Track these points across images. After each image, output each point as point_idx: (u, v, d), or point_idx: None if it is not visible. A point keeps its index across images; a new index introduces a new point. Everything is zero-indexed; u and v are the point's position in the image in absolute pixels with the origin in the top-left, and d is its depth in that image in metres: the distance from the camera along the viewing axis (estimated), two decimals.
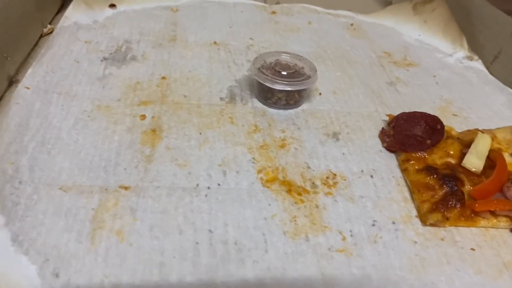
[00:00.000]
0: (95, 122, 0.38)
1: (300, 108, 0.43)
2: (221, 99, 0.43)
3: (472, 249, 0.31)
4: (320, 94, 0.45)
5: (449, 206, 0.32)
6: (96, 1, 0.56)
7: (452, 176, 0.34)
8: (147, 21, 0.55)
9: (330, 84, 0.47)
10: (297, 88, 0.41)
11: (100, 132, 0.37)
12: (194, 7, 0.60)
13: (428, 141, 0.37)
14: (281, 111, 0.42)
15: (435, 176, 0.34)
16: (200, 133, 0.38)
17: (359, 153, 0.38)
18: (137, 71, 0.45)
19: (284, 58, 0.45)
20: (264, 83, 0.41)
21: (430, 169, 0.35)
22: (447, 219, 0.32)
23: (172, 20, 0.56)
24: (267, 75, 0.41)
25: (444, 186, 0.34)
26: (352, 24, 0.61)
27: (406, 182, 0.36)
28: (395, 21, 0.63)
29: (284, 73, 0.42)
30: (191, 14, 0.58)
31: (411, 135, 0.39)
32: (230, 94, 0.44)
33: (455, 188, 0.33)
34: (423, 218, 0.32)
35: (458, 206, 0.32)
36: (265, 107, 0.43)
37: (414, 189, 0.34)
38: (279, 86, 0.41)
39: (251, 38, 0.54)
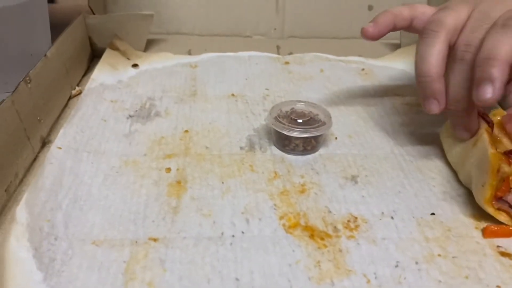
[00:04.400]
0: (123, 177, 0.40)
1: (317, 153, 0.45)
2: (241, 148, 0.45)
3: (498, 287, 0.31)
4: (336, 138, 0.47)
5: None
6: (120, 62, 0.60)
7: None
8: (168, 78, 0.58)
9: (345, 128, 0.49)
10: (313, 134, 0.43)
11: (128, 186, 0.39)
12: (211, 62, 0.63)
13: None
14: (299, 157, 0.44)
15: None
16: (223, 182, 0.40)
17: (378, 195, 0.39)
18: (161, 126, 0.48)
19: (299, 106, 0.47)
20: (281, 131, 0.43)
21: None
22: None
23: (192, 76, 0.60)
24: (284, 124, 0.43)
25: None
26: (363, 69, 0.64)
27: (428, 221, 0.36)
28: (405, 63, 0.65)
29: (300, 120, 0.44)
30: (209, 69, 0.62)
31: None
32: (249, 143, 0.46)
33: None
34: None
35: None
36: (283, 154, 0.44)
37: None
38: (296, 134, 0.43)
39: (266, 89, 0.57)
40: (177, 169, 0.41)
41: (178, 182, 0.40)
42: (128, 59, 0.62)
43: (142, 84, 0.57)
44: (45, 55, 0.49)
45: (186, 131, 0.47)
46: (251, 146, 0.45)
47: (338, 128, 0.49)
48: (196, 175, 0.41)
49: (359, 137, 0.48)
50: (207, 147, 0.45)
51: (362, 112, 0.53)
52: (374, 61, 0.66)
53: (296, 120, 0.44)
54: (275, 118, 0.44)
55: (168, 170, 0.41)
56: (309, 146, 0.44)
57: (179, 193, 0.38)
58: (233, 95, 0.55)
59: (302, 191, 0.39)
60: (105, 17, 0.65)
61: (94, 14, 0.66)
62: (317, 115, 0.45)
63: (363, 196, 0.39)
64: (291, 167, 0.42)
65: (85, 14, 0.63)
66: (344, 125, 0.50)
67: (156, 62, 0.63)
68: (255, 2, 0.71)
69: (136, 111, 0.51)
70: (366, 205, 0.38)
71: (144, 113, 0.50)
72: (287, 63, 0.65)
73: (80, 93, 0.54)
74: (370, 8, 0.73)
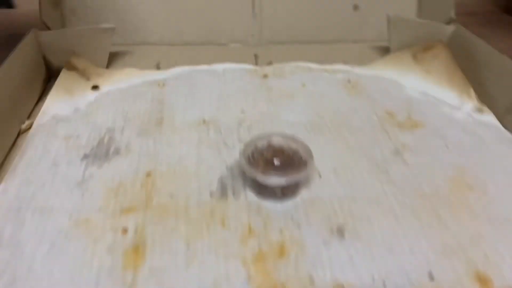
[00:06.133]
0: (72, 243, 0.34)
1: (299, 197, 0.39)
2: (211, 194, 0.39)
3: None
4: (320, 176, 0.41)
5: None
6: (78, 86, 0.54)
7: None
8: (133, 102, 0.52)
9: (330, 160, 0.43)
10: (293, 180, 0.37)
11: (77, 256, 0.33)
12: (181, 79, 0.57)
13: None
14: (277, 204, 0.38)
15: None
16: (188, 246, 0.34)
17: (368, 254, 0.34)
18: (120, 168, 0.42)
19: (276, 140, 0.41)
20: (256, 179, 0.37)
21: None
22: None
23: (159, 98, 0.53)
24: (258, 166, 0.38)
25: None
26: (349, 81, 0.58)
27: None
28: (396, 72, 0.59)
29: (277, 162, 0.38)
30: (178, 88, 0.55)
31: None
32: (220, 186, 0.40)
33: None
34: None
35: None
36: (259, 200, 0.39)
37: None
38: (273, 181, 0.37)
39: (242, 112, 0.51)
40: (136, 229, 0.36)
41: (136, 249, 0.34)
42: (88, 79, 0.56)
43: (102, 111, 0.50)
44: None
45: (149, 174, 0.41)
46: (223, 191, 0.40)
47: (322, 160, 0.43)
48: (157, 237, 0.35)
49: (345, 172, 0.42)
50: (172, 196, 0.39)
51: (349, 137, 0.47)
52: (361, 69, 0.61)
53: (272, 161, 0.38)
54: (249, 158, 0.39)
55: (125, 231, 0.35)
56: (288, 191, 0.38)
57: (136, 263, 0.33)
58: (204, 121, 0.49)
59: (281, 253, 0.34)
60: (59, 32, 0.58)
61: (49, 29, 0.59)
62: (297, 151, 0.40)
63: (351, 256, 0.34)
64: (268, 218, 0.37)
65: (36, 31, 0.56)
66: (329, 157, 0.44)
67: (119, 81, 0.56)
68: (229, 6, 0.65)
69: (93, 149, 0.44)
70: (355, 268, 0.33)
71: (102, 151, 0.44)
72: (265, 76, 0.59)
73: (30, 127, 0.48)
74: (355, 8, 0.66)
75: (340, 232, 0.36)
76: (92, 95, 0.53)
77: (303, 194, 0.39)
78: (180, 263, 0.33)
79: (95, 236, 0.35)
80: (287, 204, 0.38)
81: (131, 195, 0.39)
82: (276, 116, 0.50)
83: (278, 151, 0.40)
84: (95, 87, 0.55)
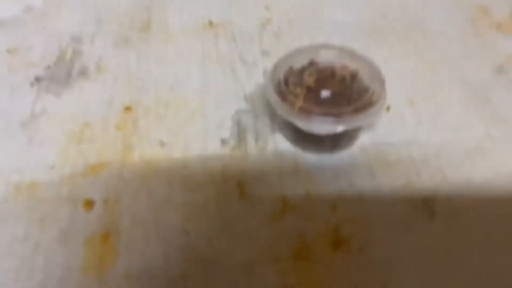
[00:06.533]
0: (8, 224, 0.22)
1: (357, 145, 0.25)
2: (223, 142, 0.26)
3: None
4: (388, 109, 0.27)
5: None
6: None
7: None
8: None
9: (402, 84, 0.29)
10: (351, 126, 0.23)
11: (13, 246, 0.21)
12: None
13: None
14: (325, 158, 0.25)
15: None
16: (187, 233, 0.22)
17: (474, 247, 0.21)
18: (87, 99, 0.28)
19: (325, 56, 0.26)
20: (293, 123, 0.23)
21: None
22: None
23: None
24: (295, 103, 0.23)
25: None
26: None
27: None
28: None
29: (326, 93, 0.24)
30: None
31: None
32: (237, 128, 0.26)
33: None
34: None
35: None
36: (296, 150, 0.25)
37: None
38: (320, 128, 0.23)
39: (266, 8, 0.35)
40: (105, 203, 0.23)
41: (105, 237, 0.22)
42: None
43: (66, 9, 0.35)
44: None
45: (128, 108, 0.28)
46: (241, 136, 0.26)
47: (391, 84, 0.28)
48: (138, 216, 0.22)
49: (427, 103, 0.28)
50: (162, 143, 0.26)
51: (426, 47, 0.32)
52: None
53: (318, 93, 0.24)
54: (280, 87, 0.24)
55: (89, 205, 0.23)
56: (342, 140, 0.25)
57: (104, 262, 0.21)
58: (211, 23, 0.34)
59: (335, 246, 0.21)
60: None
61: None
62: (357, 73, 0.25)
63: (448, 250, 0.21)
64: (312, 184, 0.24)
65: None
66: (400, 78, 0.29)
67: None
68: None
69: (49, 67, 0.30)
70: (453, 278, 0.20)
71: (62, 71, 0.30)
72: None
73: None
74: None
75: (428, 206, 0.23)
76: None
77: (365, 138, 0.26)
78: None
79: (42, 212, 0.22)
80: (341, 157, 0.25)
81: (101, 142, 0.26)
82: (318, 14, 0.35)
83: (327, 75, 0.25)
84: None
